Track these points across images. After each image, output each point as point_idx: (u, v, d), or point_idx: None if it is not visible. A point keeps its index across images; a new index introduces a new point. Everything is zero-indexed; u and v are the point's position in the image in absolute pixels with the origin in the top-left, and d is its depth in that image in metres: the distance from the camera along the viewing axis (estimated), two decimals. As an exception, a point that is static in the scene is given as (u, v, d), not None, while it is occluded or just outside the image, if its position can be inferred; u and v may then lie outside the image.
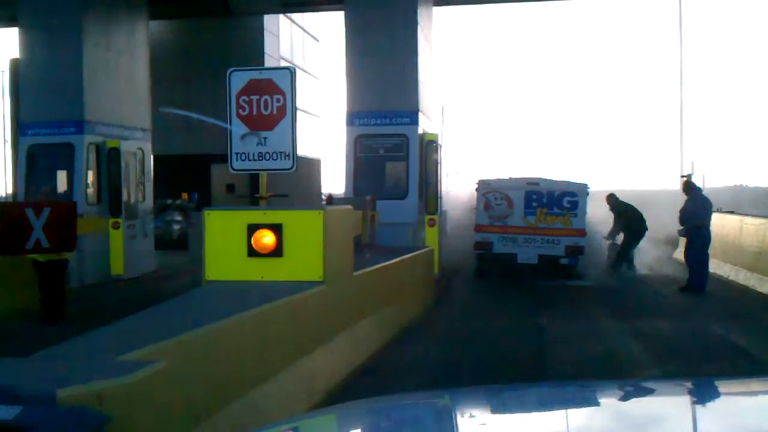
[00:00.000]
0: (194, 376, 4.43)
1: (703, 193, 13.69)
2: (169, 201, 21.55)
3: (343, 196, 14.73)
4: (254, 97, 8.84)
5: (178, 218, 21.46)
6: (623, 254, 16.21)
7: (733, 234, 14.87)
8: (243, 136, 8.63)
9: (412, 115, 14.86)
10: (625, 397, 2.26)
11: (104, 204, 15.38)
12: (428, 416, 2.12)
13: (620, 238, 16.55)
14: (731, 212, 16.14)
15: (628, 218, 16.23)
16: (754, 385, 2.52)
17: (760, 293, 12.58)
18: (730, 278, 14.26)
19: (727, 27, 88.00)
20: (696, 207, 13.32)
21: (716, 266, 14.84)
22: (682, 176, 15.69)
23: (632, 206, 16.45)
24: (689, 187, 13.64)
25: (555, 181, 15.18)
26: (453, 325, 10.58)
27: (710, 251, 13.90)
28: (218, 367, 4.83)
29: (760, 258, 13.47)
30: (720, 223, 15.41)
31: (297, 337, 6.29)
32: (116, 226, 15.29)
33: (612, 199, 16.64)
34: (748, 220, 14.91)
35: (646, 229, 16.33)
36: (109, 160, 15.45)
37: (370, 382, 7.02)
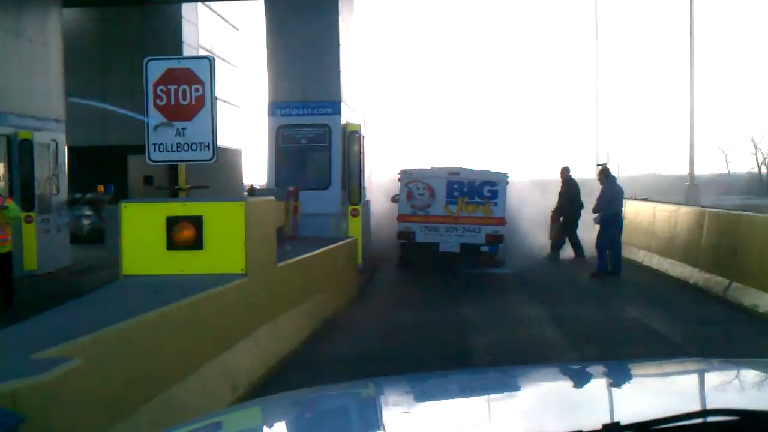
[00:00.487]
0: (112, 373, 4.32)
1: (617, 181, 14.10)
2: (78, 195, 20.78)
3: (265, 187, 14.59)
4: (172, 87, 8.64)
5: (88, 213, 20.72)
6: (572, 236, 16.14)
7: (647, 220, 15.36)
8: (156, 127, 8.43)
9: (334, 105, 14.81)
10: (544, 381, 2.30)
11: (16, 197, 14.83)
12: (353, 406, 2.12)
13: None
14: (645, 199, 16.67)
15: (573, 195, 16.13)
16: (668, 366, 2.61)
17: (673, 277, 13.03)
18: (644, 263, 14.73)
19: (640, 18, 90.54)
20: (611, 195, 13.72)
21: (631, 252, 15.31)
22: (598, 165, 16.13)
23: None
24: (604, 175, 14.02)
25: (475, 170, 15.37)
26: (377, 315, 10.62)
27: (625, 237, 14.36)
28: (138, 363, 4.72)
29: (672, 243, 13.95)
30: (634, 210, 15.92)
31: (219, 330, 6.20)
32: (29, 220, 14.78)
33: (566, 173, 16.49)
34: (661, 206, 15.43)
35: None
36: (21, 152, 14.90)
37: (294, 374, 6.98)
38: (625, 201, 14.67)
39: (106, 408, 4.17)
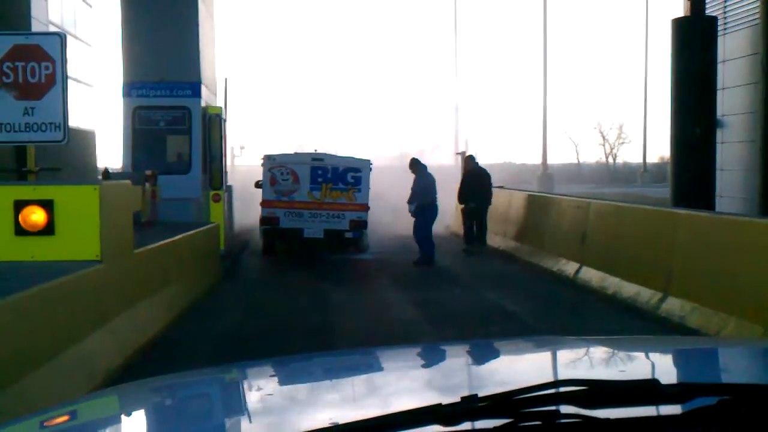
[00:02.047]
0: (-46, 366, 4.06)
1: (428, 170, 14.30)
2: None
3: (121, 171, 14.06)
4: (20, 64, 8.17)
5: None
6: (483, 225, 15.41)
7: (503, 207, 15.93)
8: None
9: (194, 87, 14.43)
10: (405, 361, 2.35)
11: None
12: (215, 391, 2.09)
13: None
14: (501, 187, 17.27)
15: (485, 184, 15.46)
16: (523, 344, 2.72)
17: (527, 262, 13.59)
18: (501, 248, 15.28)
19: (499, 10, 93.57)
20: (423, 185, 14.04)
21: (489, 237, 15.84)
22: (457, 153, 16.59)
23: (485, 174, 15.69)
24: (415, 165, 14.29)
25: (339, 156, 15.43)
26: (239, 300, 10.49)
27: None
28: (-17, 355, 4.46)
29: (526, 229, 14.56)
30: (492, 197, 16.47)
31: (73, 319, 5.94)
32: None
33: (471, 162, 15.95)
34: (516, 194, 16.05)
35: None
36: None
37: (154, 362, 6.80)
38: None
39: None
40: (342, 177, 14.95)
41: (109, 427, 1.79)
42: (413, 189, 14.15)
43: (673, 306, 8.55)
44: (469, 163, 15.91)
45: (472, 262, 13.91)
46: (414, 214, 14.08)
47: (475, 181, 15.24)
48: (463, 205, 15.65)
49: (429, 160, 16.48)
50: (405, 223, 17.26)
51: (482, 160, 17.30)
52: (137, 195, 10.18)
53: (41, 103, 8.15)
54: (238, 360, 2.47)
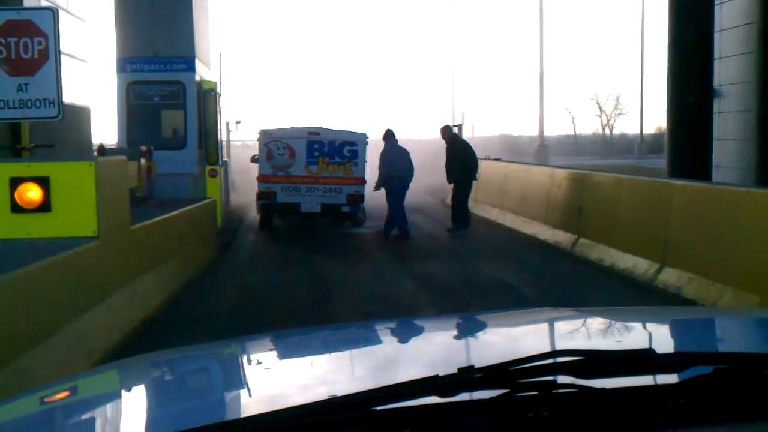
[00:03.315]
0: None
1: (399, 144, 14.04)
2: None
3: (116, 147, 14.02)
4: (12, 39, 8.11)
5: None
6: (464, 203, 14.43)
7: (499, 180, 15.92)
8: None
9: (188, 61, 14.34)
10: (403, 334, 2.36)
11: None
12: (215, 366, 2.10)
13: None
14: (498, 159, 17.26)
15: (466, 158, 14.45)
16: (520, 316, 2.74)
17: (525, 234, 13.61)
18: (498, 221, 15.29)
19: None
20: (387, 158, 13.79)
21: (485, 210, 15.86)
22: (453, 126, 16.49)
23: (468, 144, 15.00)
24: (385, 137, 14.04)
25: (335, 130, 15.37)
26: (236, 276, 10.52)
27: (479, 196, 14.80)
28: (-19, 332, 4.47)
29: (523, 201, 14.56)
30: (487, 170, 16.44)
31: (71, 296, 5.95)
32: None
33: (447, 133, 14.69)
34: (513, 166, 16.04)
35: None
36: None
37: (152, 338, 6.82)
38: (479, 161, 15.08)
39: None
40: (338, 151, 14.91)
41: (110, 402, 1.80)
42: (380, 161, 13.87)
43: (670, 277, 8.58)
44: (447, 134, 14.61)
45: (468, 235, 13.91)
46: (377, 187, 13.89)
47: (462, 154, 14.38)
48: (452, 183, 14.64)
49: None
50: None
51: (479, 133, 17.25)
52: (133, 171, 10.17)
53: (35, 79, 8.10)
54: (236, 335, 2.48)
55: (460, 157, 14.29)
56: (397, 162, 13.77)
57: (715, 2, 13.84)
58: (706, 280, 7.93)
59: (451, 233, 14.05)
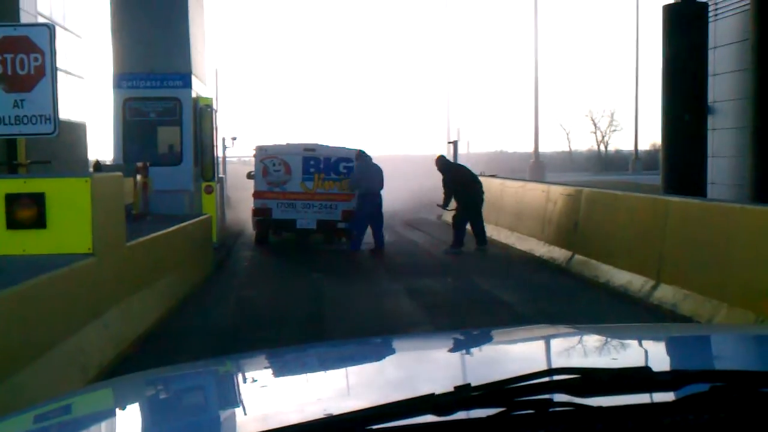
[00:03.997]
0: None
1: (373, 162, 14.31)
2: None
3: (112, 163, 14.01)
4: (8, 56, 8.12)
5: None
6: (459, 227, 14.21)
7: (495, 196, 15.93)
8: None
9: (184, 78, 14.36)
10: (400, 351, 2.36)
11: None
12: (209, 384, 2.09)
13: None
14: (493, 176, 17.28)
15: (462, 183, 14.34)
16: (516, 333, 2.73)
17: (520, 250, 13.61)
18: (493, 237, 15.27)
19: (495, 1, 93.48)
20: (360, 175, 14.10)
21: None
22: (448, 142, 16.53)
23: (465, 168, 14.96)
24: (357, 157, 14.36)
25: (331, 147, 15.39)
26: (232, 292, 10.49)
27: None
28: (-25, 349, 4.45)
29: (518, 218, 14.56)
30: (484, 186, 16.45)
31: (66, 312, 5.93)
32: None
33: (440, 162, 14.70)
34: (509, 183, 16.06)
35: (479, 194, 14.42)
36: None
37: (147, 356, 6.80)
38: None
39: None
40: (334, 167, 14.93)
41: (104, 421, 1.79)
42: (351, 178, 14.42)
43: (666, 293, 8.58)
44: (440, 164, 14.59)
45: (463, 252, 13.90)
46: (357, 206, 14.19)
47: (459, 180, 14.26)
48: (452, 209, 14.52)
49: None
50: (393, 214, 17.31)
51: (474, 149, 17.27)
52: (129, 187, 10.16)
53: (31, 95, 8.11)
54: (231, 352, 2.47)
55: (458, 181, 14.33)
56: (362, 180, 14.09)
57: (709, 19, 13.94)
58: (702, 297, 7.93)
59: (447, 253, 13.95)
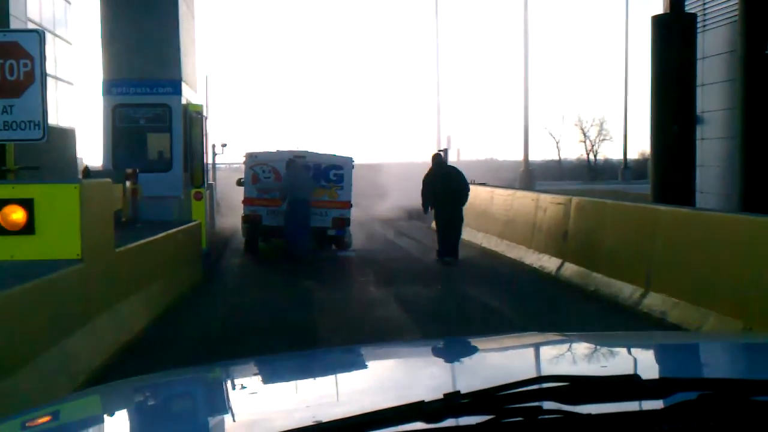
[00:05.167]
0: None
1: (304, 170, 14.27)
2: None
3: (101, 169, 13.97)
4: (-2, 61, 8.11)
5: None
6: (437, 232, 14.03)
7: (484, 204, 15.97)
8: None
9: (174, 84, 14.35)
10: (389, 359, 2.36)
11: None
12: (198, 390, 2.08)
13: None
14: (483, 184, 17.31)
15: (433, 186, 13.79)
16: (506, 340, 2.74)
17: (509, 258, 13.63)
18: (483, 245, 15.31)
19: (484, 8, 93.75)
20: (290, 182, 14.02)
21: (470, 234, 15.88)
22: (439, 150, 16.54)
23: (446, 171, 14.24)
24: (287, 164, 14.28)
25: (321, 154, 15.39)
26: (220, 299, 10.47)
27: (465, 220, 14.79)
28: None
29: (508, 226, 14.59)
30: (473, 194, 16.48)
31: (55, 318, 5.90)
32: None
33: (433, 161, 14.20)
34: (498, 191, 16.09)
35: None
36: None
37: (136, 362, 6.76)
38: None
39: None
40: (324, 174, 14.93)
41: (92, 427, 1.78)
42: (283, 184, 14.31)
43: (655, 301, 8.61)
44: (434, 162, 14.18)
45: (452, 260, 13.89)
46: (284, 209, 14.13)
47: (439, 183, 13.73)
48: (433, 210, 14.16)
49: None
50: (382, 222, 17.32)
51: (465, 157, 17.27)
52: (118, 193, 10.14)
53: (20, 101, 8.09)
54: (220, 359, 2.47)
55: (427, 184, 13.82)
56: (302, 185, 14.02)
57: (698, 30, 14.04)
58: (691, 305, 7.96)
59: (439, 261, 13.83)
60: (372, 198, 19.00)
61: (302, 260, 13.49)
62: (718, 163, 15.94)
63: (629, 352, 2.20)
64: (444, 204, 13.80)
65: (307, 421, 1.35)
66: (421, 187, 13.98)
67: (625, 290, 9.30)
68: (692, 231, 8.43)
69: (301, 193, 14.01)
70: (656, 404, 1.30)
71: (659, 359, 2.16)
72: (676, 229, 8.76)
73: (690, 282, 8.13)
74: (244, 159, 15.29)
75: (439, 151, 16.40)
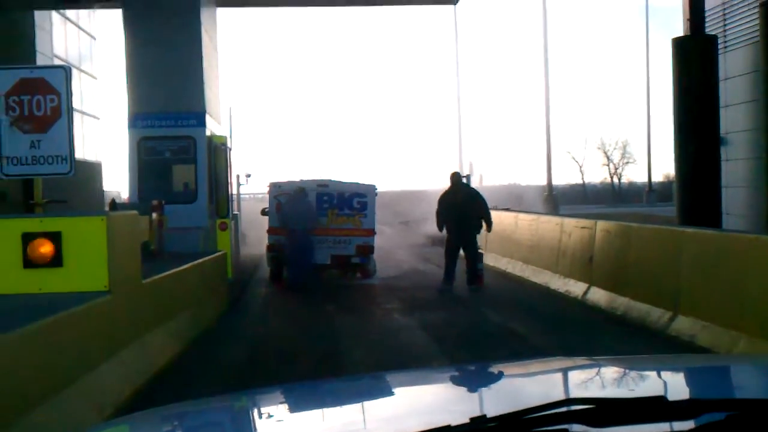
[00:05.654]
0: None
1: (305, 199, 14.26)
2: None
3: (127, 201, 14.12)
4: (25, 97, 8.27)
5: None
6: (445, 257, 13.47)
7: (509, 229, 15.91)
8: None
9: (198, 117, 14.52)
10: (415, 385, 2.36)
11: None
12: (226, 419, 2.09)
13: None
14: (507, 209, 17.26)
15: (447, 206, 13.46)
16: (532, 365, 2.72)
17: (534, 283, 13.55)
18: (508, 270, 15.24)
19: (504, 33, 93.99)
20: (287, 211, 14.14)
21: (494, 260, 15.82)
22: (462, 176, 16.50)
23: (462, 189, 13.99)
24: (291, 195, 14.38)
25: (344, 182, 15.44)
26: (247, 328, 10.48)
27: (489, 246, 14.70)
28: (-8, 388, 4.46)
29: (533, 251, 14.52)
30: (497, 220, 16.44)
31: (83, 350, 5.95)
32: None
33: (451, 180, 13.82)
34: (522, 216, 16.04)
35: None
36: None
37: (163, 393, 6.78)
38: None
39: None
40: (348, 202, 14.96)
41: (121, 457, 1.80)
42: (282, 213, 14.41)
43: (684, 325, 8.51)
44: (452, 181, 13.79)
45: (452, 290, 13.53)
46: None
47: (454, 205, 13.31)
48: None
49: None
50: (406, 249, 17.30)
51: (487, 182, 17.23)
52: (144, 225, 10.23)
53: (47, 135, 8.23)
54: (247, 387, 2.48)
55: (443, 202, 13.56)
56: (291, 215, 14.10)
57: (720, 51, 13.98)
58: (720, 328, 7.85)
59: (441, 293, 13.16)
60: (394, 225, 18.99)
61: (302, 290, 13.55)
62: (744, 184, 15.79)
63: (657, 375, 2.18)
64: (458, 226, 13.29)
65: (334, 447, 1.35)
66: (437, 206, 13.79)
67: (653, 313, 9.20)
68: (719, 253, 8.34)
69: (300, 223, 14.05)
70: (684, 425, 1.29)
71: (687, 381, 2.14)
72: (703, 252, 8.67)
73: (719, 304, 8.03)
74: (268, 189, 15.39)
75: (462, 176, 16.26)
